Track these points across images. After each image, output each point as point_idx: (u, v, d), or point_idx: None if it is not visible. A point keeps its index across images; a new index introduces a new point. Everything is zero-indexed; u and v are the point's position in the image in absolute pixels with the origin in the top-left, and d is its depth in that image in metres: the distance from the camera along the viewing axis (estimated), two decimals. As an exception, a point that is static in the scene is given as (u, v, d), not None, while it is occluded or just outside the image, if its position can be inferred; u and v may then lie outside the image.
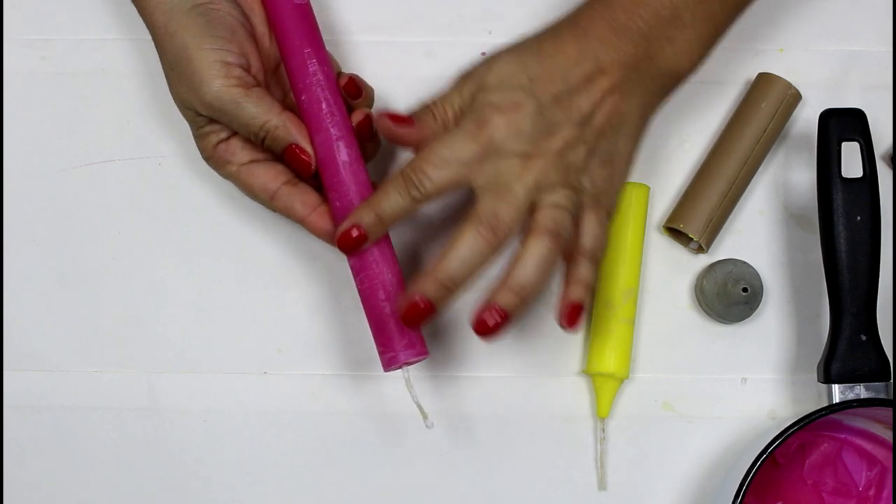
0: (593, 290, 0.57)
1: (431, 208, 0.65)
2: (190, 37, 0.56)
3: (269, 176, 0.59)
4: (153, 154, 0.65)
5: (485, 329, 0.55)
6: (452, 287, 0.55)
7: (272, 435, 0.64)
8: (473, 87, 0.56)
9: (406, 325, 0.56)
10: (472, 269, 0.54)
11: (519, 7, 0.66)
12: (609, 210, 0.57)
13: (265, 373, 0.64)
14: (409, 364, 0.58)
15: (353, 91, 0.60)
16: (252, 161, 0.59)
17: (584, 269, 0.56)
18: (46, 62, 0.65)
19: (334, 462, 0.64)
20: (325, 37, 0.61)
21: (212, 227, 0.65)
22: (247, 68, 0.57)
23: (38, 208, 0.65)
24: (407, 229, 0.64)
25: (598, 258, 0.57)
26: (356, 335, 0.64)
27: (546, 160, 0.55)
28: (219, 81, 0.56)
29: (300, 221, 0.59)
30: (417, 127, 0.56)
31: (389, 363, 0.57)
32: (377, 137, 0.60)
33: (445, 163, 0.55)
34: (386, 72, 0.65)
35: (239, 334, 0.64)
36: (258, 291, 0.64)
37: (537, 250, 0.54)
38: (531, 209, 0.55)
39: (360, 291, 0.58)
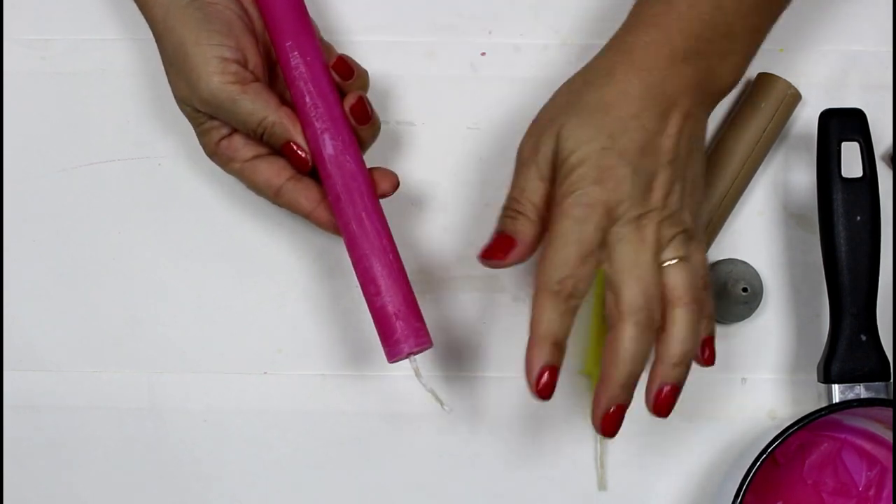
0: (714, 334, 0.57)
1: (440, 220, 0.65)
2: (187, 32, 0.56)
3: (273, 172, 0.59)
4: (153, 154, 0.65)
5: (667, 409, 0.55)
6: (633, 383, 0.54)
7: (272, 435, 0.64)
8: (547, 165, 0.54)
9: (606, 434, 0.55)
10: (643, 359, 0.54)
11: (519, 7, 0.66)
12: (702, 237, 0.57)
13: (265, 373, 0.64)
14: (412, 354, 0.57)
15: (344, 71, 0.58)
16: (255, 157, 0.59)
17: (704, 325, 0.56)
18: (46, 62, 0.65)
19: (334, 462, 0.64)
20: (325, 37, 0.61)
21: (212, 227, 0.65)
22: (244, 63, 0.57)
23: (38, 208, 0.65)
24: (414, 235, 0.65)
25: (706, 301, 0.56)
26: (356, 335, 0.64)
27: (655, 216, 0.54)
28: (216, 78, 0.55)
29: (306, 216, 0.59)
30: (521, 242, 0.55)
31: (392, 355, 0.57)
32: (373, 120, 0.59)
33: (581, 260, 0.53)
34: (386, 72, 0.65)
35: (239, 334, 0.64)
36: (258, 291, 0.64)
37: (686, 321, 0.54)
38: (660, 267, 0.54)
39: (360, 284, 0.58)
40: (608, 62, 0.56)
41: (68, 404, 0.64)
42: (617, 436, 0.64)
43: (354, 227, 0.57)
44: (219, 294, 0.64)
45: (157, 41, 0.58)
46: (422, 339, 0.57)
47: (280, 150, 0.58)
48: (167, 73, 0.58)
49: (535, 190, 0.55)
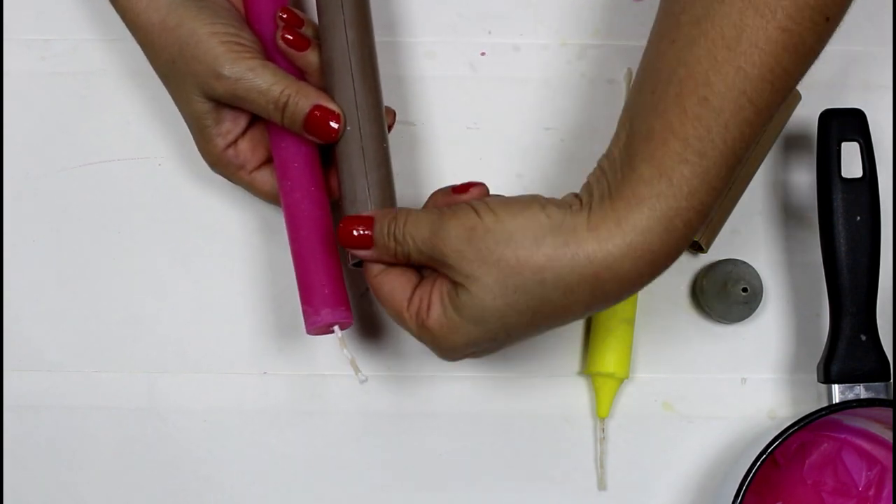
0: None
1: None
2: (198, 24, 0.56)
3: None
4: (153, 154, 0.65)
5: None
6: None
7: (272, 435, 0.64)
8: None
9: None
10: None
11: (519, 7, 0.66)
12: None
13: (265, 373, 0.64)
14: (335, 325, 0.58)
15: (293, 21, 0.58)
16: (261, 164, 0.59)
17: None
18: (46, 62, 0.65)
19: (334, 462, 0.64)
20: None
21: (212, 226, 0.64)
22: (255, 48, 0.57)
23: (38, 208, 0.65)
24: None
25: None
26: (356, 336, 0.64)
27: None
28: (234, 54, 0.56)
29: None
30: None
31: (312, 325, 0.58)
32: (311, 45, 0.59)
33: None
34: (386, 72, 0.65)
35: (239, 334, 0.64)
36: (258, 291, 0.64)
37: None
38: None
39: (294, 260, 0.59)
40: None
41: (68, 404, 0.64)
42: (617, 436, 0.64)
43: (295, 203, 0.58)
44: (219, 294, 0.64)
45: (150, 45, 0.58)
46: (344, 315, 0.58)
47: (304, 123, 0.56)
48: (169, 75, 0.58)
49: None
